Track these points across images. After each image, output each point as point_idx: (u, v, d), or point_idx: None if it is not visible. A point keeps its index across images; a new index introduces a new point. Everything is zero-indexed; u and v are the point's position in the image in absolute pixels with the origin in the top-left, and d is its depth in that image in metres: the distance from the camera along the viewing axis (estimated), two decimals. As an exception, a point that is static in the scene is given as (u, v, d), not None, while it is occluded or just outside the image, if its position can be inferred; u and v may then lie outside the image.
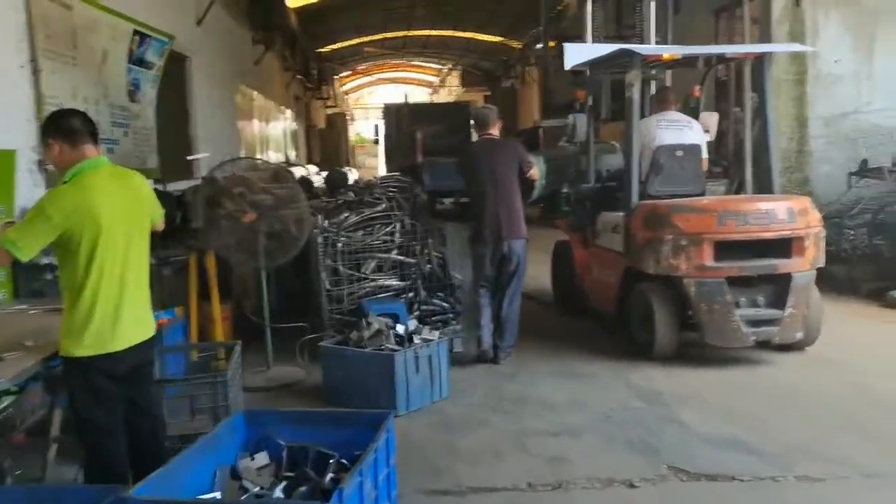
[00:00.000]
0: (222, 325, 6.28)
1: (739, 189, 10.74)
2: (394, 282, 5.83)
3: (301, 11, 19.50)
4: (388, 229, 5.87)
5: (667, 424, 4.28)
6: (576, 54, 6.49)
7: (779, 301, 5.13)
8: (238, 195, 5.17)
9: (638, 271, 5.40)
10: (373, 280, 5.76)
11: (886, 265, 8.02)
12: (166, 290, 6.05)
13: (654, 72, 6.94)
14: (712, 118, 6.32)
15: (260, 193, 5.36)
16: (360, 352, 4.63)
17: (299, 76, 22.32)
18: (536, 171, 6.04)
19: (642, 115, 6.11)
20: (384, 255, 5.81)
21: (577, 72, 6.95)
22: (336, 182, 14.55)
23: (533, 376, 5.30)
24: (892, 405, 4.47)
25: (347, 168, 19.09)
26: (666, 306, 5.24)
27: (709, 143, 6.38)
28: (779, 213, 5.11)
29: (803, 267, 5.15)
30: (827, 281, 8.23)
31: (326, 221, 5.88)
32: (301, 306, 6.43)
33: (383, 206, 6.32)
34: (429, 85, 46.59)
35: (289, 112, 20.89)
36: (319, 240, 5.68)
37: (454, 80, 38.91)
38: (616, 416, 4.45)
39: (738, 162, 10.91)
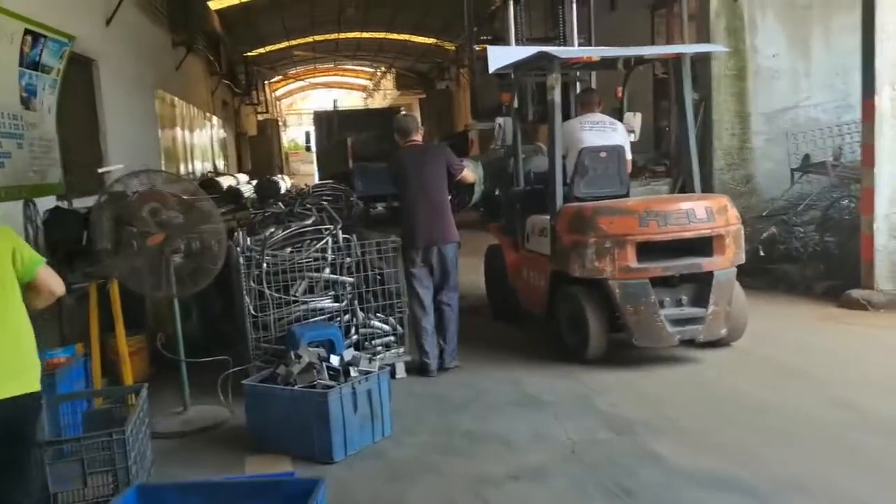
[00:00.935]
0: (135, 359, 5.63)
1: (684, 188, 10.60)
2: (328, 303, 5.25)
3: (224, 13, 18.67)
4: (318, 245, 5.27)
5: (641, 460, 3.81)
6: (499, 57, 6.49)
7: (702, 299, 5.21)
8: (148, 213, 4.50)
9: (565, 274, 5.40)
10: (304, 303, 5.16)
11: (837, 263, 7.82)
12: (69, 323, 5.35)
13: (577, 73, 6.94)
14: (636, 118, 6.37)
15: (171, 210, 4.73)
16: (288, 390, 4.04)
17: (226, 81, 21.39)
18: (471, 173, 6.06)
19: (568, 117, 6.20)
20: (315, 275, 5.22)
21: (502, 74, 6.96)
22: (266, 191, 13.85)
23: (484, 404, 4.81)
24: (882, 426, 4.08)
25: (280, 176, 18.27)
26: (596, 308, 5.27)
27: (633, 143, 6.48)
28: (698, 212, 5.15)
29: (724, 265, 5.22)
30: (781, 280, 8.04)
31: (249, 239, 5.25)
32: (229, 334, 5.82)
33: (312, 219, 5.74)
34: (363, 89, 45.87)
35: (216, 119, 19.97)
36: (241, 260, 5.06)
37: (388, 83, 38.30)
38: (583, 452, 3.96)
39: (679, 160, 10.89)
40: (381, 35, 26.12)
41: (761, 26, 10.14)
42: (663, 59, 6.47)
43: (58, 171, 7.16)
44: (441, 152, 5.83)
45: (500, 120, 6.76)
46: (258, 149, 27.86)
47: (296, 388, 4.03)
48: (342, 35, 25.63)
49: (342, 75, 40.89)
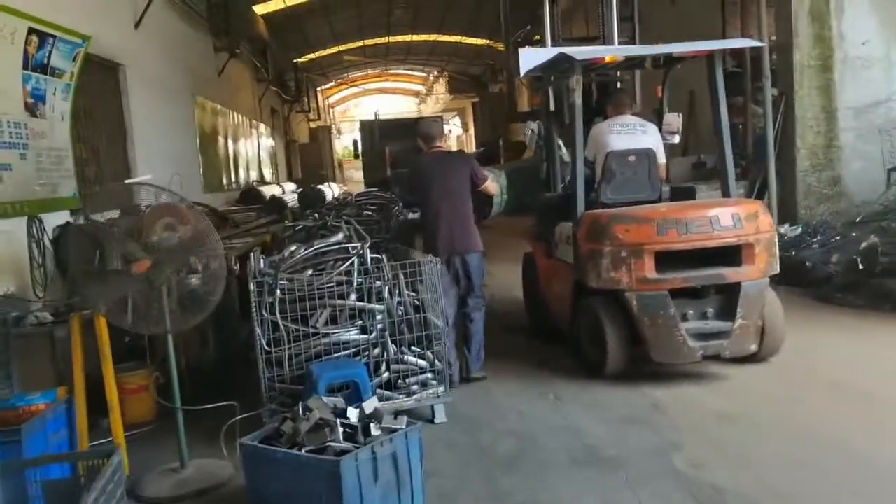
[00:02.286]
0: (138, 399, 4.96)
1: (762, 190, 9.57)
2: (354, 335, 4.47)
3: (270, 18, 18.23)
4: (342, 267, 4.51)
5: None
6: (530, 60, 6.29)
7: (729, 312, 4.91)
8: (127, 235, 3.81)
9: (585, 285, 5.16)
10: (325, 335, 4.40)
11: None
12: (63, 359, 4.67)
13: (618, 74, 6.69)
14: (677, 119, 6.05)
15: (161, 232, 4.03)
16: (294, 454, 3.26)
17: (274, 88, 20.98)
18: (494, 185, 5.88)
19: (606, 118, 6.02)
20: (339, 302, 4.45)
21: (538, 77, 6.75)
22: (310, 200, 13.24)
23: (538, 461, 3.95)
24: None
25: (327, 184, 17.69)
26: (614, 321, 5.02)
27: (673, 146, 6.33)
28: (723, 219, 4.88)
29: (753, 275, 4.91)
30: (886, 298, 6.95)
31: (263, 260, 4.52)
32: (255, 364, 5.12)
33: (340, 234, 4.99)
34: (415, 94, 45.43)
35: (263, 126, 19.56)
36: (252, 286, 4.32)
37: (441, 87, 37.69)
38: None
39: (757, 161, 9.84)
40: (432, 38, 25.50)
41: (849, 10, 9.06)
42: (693, 56, 5.81)
43: (71, 183, 6.59)
44: (466, 160, 5.68)
45: (531, 125, 6.68)
46: (309, 156, 27.47)
47: (303, 451, 3.25)
48: (392, 39, 25.11)
49: (395, 80, 40.45)
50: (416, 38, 25.46)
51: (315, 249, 4.74)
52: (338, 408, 3.51)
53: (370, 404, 3.54)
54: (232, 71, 15.02)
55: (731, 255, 4.92)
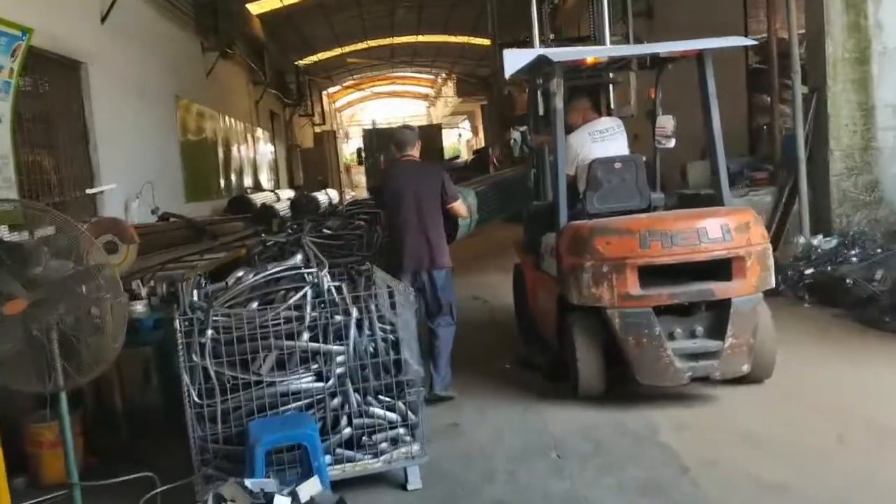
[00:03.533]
0: (57, 454, 4.15)
1: (792, 197, 8.68)
2: (307, 383, 3.64)
3: (266, 18, 17.48)
4: (293, 299, 3.68)
5: None
6: (515, 62, 6.02)
7: (718, 330, 4.61)
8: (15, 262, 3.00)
9: (567, 301, 4.88)
10: (271, 384, 3.57)
11: None
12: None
13: (612, 75, 6.36)
14: (669, 122, 5.75)
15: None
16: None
17: (273, 91, 20.23)
18: (462, 207, 5.66)
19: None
20: (288, 343, 3.62)
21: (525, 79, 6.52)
22: (302, 208, 12.49)
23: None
24: None
25: (324, 191, 16.89)
26: (588, 340, 4.79)
27: (666, 151, 5.94)
28: (711, 230, 4.60)
29: (745, 290, 4.62)
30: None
31: (196, 291, 3.70)
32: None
33: (298, 258, 4.18)
34: (424, 97, 44.63)
35: (260, 131, 18.82)
36: (178, 324, 3.51)
37: (449, 90, 36.83)
38: None
39: (786, 165, 8.95)
40: (438, 38, 24.69)
41: (888, -4, 8.18)
42: (679, 56, 5.53)
43: (11, 195, 5.80)
44: (437, 172, 5.49)
45: (514, 133, 6.61)
46: (312, 162, 26.69)
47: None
48: (397, 40, 24.32)
49: (403, 83, 39.65)
50: (421, 38, 24.65)
51: (264, 276, 3.92)
52: (265, 494, 2.68)
53: (308, 488, 2.71)
54: (223, 72, 14.27)
55: (720, 269, 4.63)
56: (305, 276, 3.85)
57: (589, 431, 4.34)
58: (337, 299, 3.78)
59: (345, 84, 34.98)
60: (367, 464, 3.69)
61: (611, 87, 6.42)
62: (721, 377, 4.66)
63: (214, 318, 3.55)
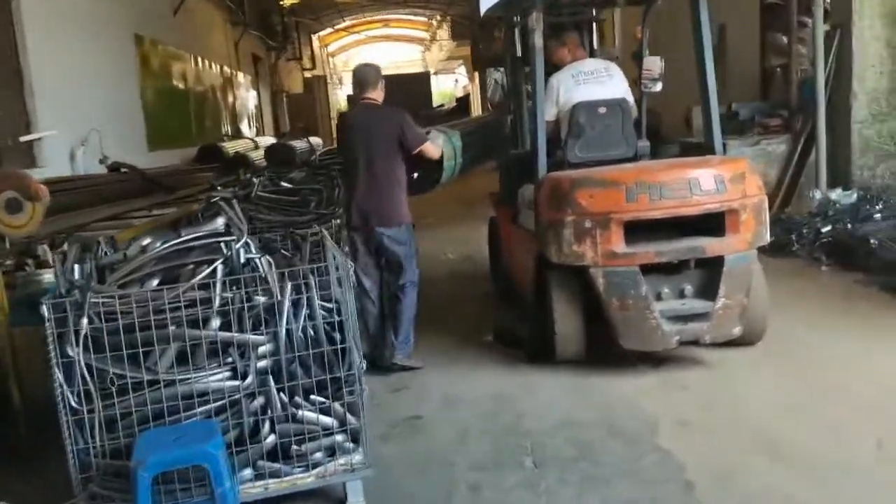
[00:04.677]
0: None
1: (808, 146, 7.88)
2: (218, 382, 2.91)
3: (244, -49, 16.36)
4: (198, 277, 2.92)
5: None
6: None
7: (709, 290, 4.32)
8: None
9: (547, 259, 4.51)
10: (170, 383, 2.84)
11: None
12: None
13: (594, 12, 5.90)
14: (656, 64, 5.36)
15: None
16: None
17: (255, 32, 19.15)
18: (435, 148, 5.14)
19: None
20: (193, 333, 2.88)
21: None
22: (279, 158, 11.66)
23: None
24: None
25: (306, 139, 15.94)
26: (566, 298, 4.48)
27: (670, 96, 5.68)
28: (704, 181, 4.28)
29: (739, 247, 4.32)
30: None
31: (79, 266, 2.95)
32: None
33: (220, 221, 3.41)
34: (420, 41, 43.18)
35: (241, 75, 17.82)
36: (46, 309, 2.75)
37: (445, 33, 35.45)
38: None
39: (802, 111, 8.12)
40: (432, -24, 23.45)
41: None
42: None
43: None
44: (395, 118, 4.86)
45: (496, 75, 6.28)
46: (301, 109, 25.64)
47: None
48: (387, -23, 23.08)
49: (397, 26, 38.20)
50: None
51: (171, 246, 3.15)
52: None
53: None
54: (194, 10, 13.28)
55: (712, 223, 4.30)
56: (223, 245, 3.07)
57: (572, 430, 3.65)
58: (261, 275, 3.01)
59: (336, 27, 33.63)
60: (297, 479, 3.00)
61: (594, 25, 5.95)
62: (711, 341, 4.33)
63: (95, 301, 2.78)
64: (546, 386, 4.34)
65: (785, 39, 8.59)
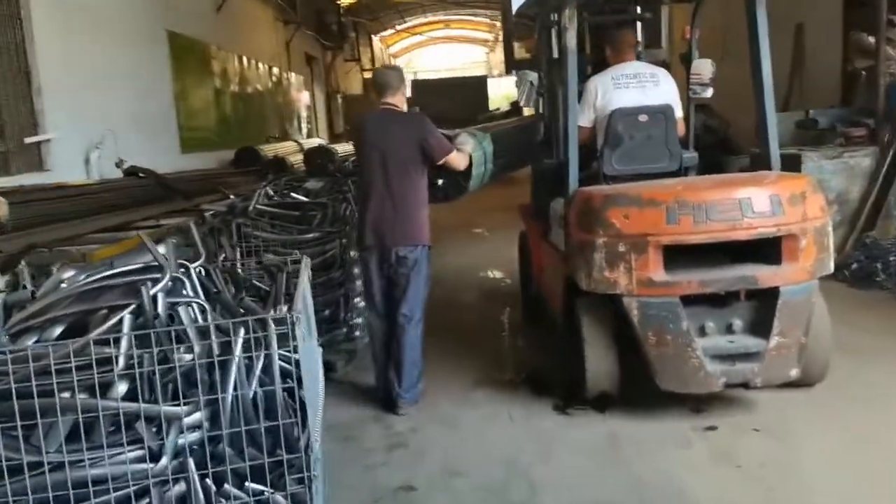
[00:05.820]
0: None
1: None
2: (123, 465, 2.28)
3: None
4: (100, 328, 2.30)
5: None
6: None
7: (762, 326, 3.81)
8: None
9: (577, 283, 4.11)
10: (58, 467, 2.22)
11: None
12: None
13: (638, 10, 5.43)
14: (707, 67, 4.89)
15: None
16: None
17: (309, 31, 18.80)
18: (461, 157, 4.65)
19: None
20: (90, 403, 2.25)
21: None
22: (317, 161, 11.16)
23: None
24: None
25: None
26: (599, 327, 4.06)
27: (705, 102, 5.04)
28: (757, 201, 3.77)
29: (797, 277, 3.82)
30: None
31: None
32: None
33: (161, 249, 2.79)
34: (483, 42, 42.54)
35: (293, 75, 17.46)
36: None
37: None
38: None
39: (891, 119, 7.17)
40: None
41: None
42: None
43: None
44: (417, 125, 4.45)
45: (529, 75, 5.61)
46: (358, 110, 25.28)
47: None
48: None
49: (458, 27, 37.63)
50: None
51: (83, 284, 2.54)
52: None
53: None
54: (239, 7, 12.89)
55: (766, 249, 3.88)
56: (142, 286, 2.43)
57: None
58: (187, 327, 2.37)
59: (398, 28, 33.29)
60: None
61: (639, 25, 5.46)
62: (763, 384, 3.87)
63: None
64: (570, 446, 3.66)
65: (872, 40, 7.63)
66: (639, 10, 5.47)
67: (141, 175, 7.39)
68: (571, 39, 4.41)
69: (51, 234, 4.90)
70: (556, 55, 4.98)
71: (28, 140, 6.39)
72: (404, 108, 4.64)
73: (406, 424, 4.11)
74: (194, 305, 2.48)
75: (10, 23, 6.31)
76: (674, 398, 3.99)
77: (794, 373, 3.91)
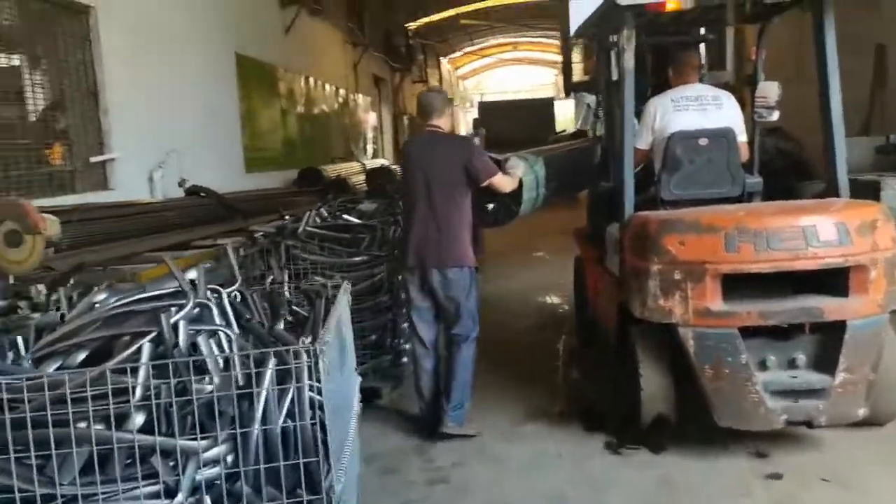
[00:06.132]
0: None
1: None
2: (132, 501, 2.19)
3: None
4: (116, 359, 2.22)
5: None
6: (583, 14, 5.33)
7: (827, 361, 3.64)
8: None
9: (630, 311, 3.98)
10: (71, 499, 2.15)
11: None
12: None
13: (703, 32, 5.36)
14: (773, 90, 4.66)
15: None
16: None
17: (377, 54, 19.00)
18: (508, 180, 4.61)
19: None
20: (104, 434, 2.17)
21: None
22: (377, 181, 11.16)
23: None
24: None
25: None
26: (657, 362, 3.91)
27: (771, 125, 4.93)
28: (823, 230, 3.61)
29: (866, 310, 3.63)
30: None
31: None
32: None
33: (189, 276, 2.74)
34: (552, 64, 42.39)
35: (360, 97, 17.64)
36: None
37: (577, 56, 34.47)
38: None
39: None
40: (561, -4, 22.57)
41: None
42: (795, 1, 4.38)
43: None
44: (462, 148, 4.48)
45: (588, 98, 5.53)
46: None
47: None
48: (518, -1, 22.50)
49: (527, 49, 37.60)
50: (545, -3, 22.73)
51: (110, 308, 2.49)
52: None
53: None
54: (308, 29, 13.09)
55: (833, 280, 3.71)
56: (162, 313, 2.36)
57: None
58: (206, 357, 2.28)
59: (465, 50, 33.47)
60: None
61: (702, 46, 5.36)
62: (828, 423, 3.71)
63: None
64: (621, 489, 3.45)
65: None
66: (702, 31, 5.33)
67: (202, 195, 7.47)
68: (629, 61, 4.33)
69: (106, 252, 4.93)
70: (614, 77, 4.89)
71: (94, 159, 6.52)
72: (447, 129, 4.64)
73: (449, 458, 3.96)
74: (220, 334, 2.39)
75: (80, 44, 6.47)
76: (732, 436, 3.77)
77: (861, 412, 3.74)
